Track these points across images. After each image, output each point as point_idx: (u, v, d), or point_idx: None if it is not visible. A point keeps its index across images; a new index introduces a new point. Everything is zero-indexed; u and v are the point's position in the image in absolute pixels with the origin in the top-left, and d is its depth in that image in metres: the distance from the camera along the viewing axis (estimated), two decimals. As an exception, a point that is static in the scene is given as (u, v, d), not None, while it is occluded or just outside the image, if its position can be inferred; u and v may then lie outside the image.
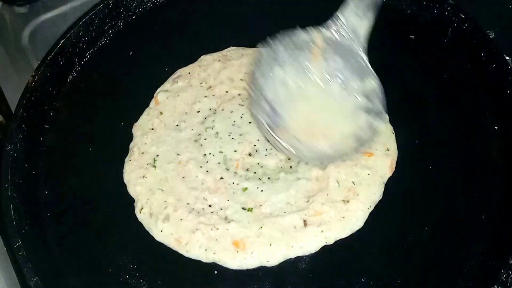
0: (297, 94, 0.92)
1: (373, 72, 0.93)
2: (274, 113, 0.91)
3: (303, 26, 1.17)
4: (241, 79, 1.06)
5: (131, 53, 1.14)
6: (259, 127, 0.94)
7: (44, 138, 1.03)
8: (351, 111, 0.92)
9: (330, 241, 0.88)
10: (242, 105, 1.03)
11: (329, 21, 0.95)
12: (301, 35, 0.94)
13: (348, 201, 0.90)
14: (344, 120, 0.91)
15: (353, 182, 0.92)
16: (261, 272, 0.87)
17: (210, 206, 0.92)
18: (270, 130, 0.90)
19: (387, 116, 0.96)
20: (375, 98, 0.92)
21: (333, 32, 0.93)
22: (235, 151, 0.98)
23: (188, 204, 0.92)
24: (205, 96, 1.05)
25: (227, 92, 1.05)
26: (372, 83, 0.91)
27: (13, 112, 1.02)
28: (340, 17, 0.93)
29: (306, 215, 0.89)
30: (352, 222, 0.89)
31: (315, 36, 0.93)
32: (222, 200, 0.92)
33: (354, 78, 0.93)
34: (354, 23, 0.91)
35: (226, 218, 0.90)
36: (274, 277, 0.86)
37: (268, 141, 0.97)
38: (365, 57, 0.92)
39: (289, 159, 0.94)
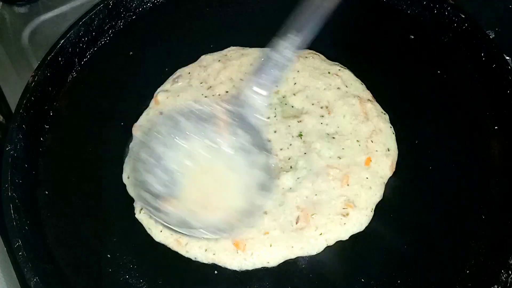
0: (197, 166, 0.90)
1: (268, 146, 0.92)
2: (172, 184, 0.88)
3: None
4: (241, 79, 1.06)
5: (131, 53, 1.14)
6: (143, 205, 0.89)
7: (44, 138, 1.03)
8: (246, 185, 0.89)
9: (331, 242, 0.88)
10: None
11: (231, 96, 0.94)
12: (202, 107, 0.92)
13: (347, 214, 0.90)
14: (239, 194, 0.88)
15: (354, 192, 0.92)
16: (261, 272, 0.87)
17: (210, 206, 0.92)
18: (160, 204, 0.86)
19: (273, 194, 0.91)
20: (268, 172, 0.89)
21: (235, 106, 0.91)
22: (235, 151, 0.97)
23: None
24: (205, 96, 1.05)
25: (227, 92, 1.05)
26: (264, 158, 0.89)
27: (13, 112, 1.02)
28: (240, 92, 0.92)
29: (306, 216, 0.90)
30: (356, 227, 0.89)
31: (216, 109, 0.91)
32: (222, 200, 0.92)
33: (255, 151, 0.90)
34: (250, 100, 0.90)
35: (226, 218, 0.90)
36: (274, 277, 0.86)
37: (268, 140, 0.97)
38: (261, 133, 0.91)
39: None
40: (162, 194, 0.87)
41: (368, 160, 0.95)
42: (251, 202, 0.87)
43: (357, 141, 0.97)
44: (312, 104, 1.02)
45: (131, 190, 0.95)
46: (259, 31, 1.14)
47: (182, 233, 0.86)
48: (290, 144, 0.98)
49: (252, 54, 1.10)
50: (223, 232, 0.86)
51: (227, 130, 0.90)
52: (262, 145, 0.90)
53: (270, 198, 0.89)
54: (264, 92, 0.91)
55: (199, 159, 0.90)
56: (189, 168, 0.89)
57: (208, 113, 0.91)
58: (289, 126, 0.99)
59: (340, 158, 0.95)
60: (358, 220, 0.89)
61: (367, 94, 1.04)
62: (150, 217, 0.88)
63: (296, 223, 0.89)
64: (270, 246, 0.87)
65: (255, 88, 0.91)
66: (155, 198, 0.87)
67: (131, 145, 1.00)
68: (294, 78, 1.05)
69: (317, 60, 1.08)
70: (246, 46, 1.12)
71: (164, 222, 0.85)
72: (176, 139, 0.90)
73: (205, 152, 0.90)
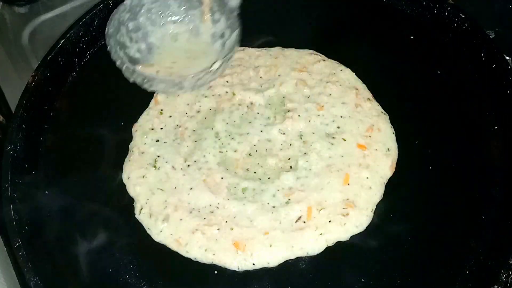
0: (173, 44, 1.05)
1: (237, 25, 1.03)
2: (149, 53, 1.05)
3: (304, 26, 1.17)
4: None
5: (131, 53, 1.14)
6: (120, 64, 1.00)
7: (44, 138, 1.03)
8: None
9: (331, 242, 0.88)
10: (242, 105, 1.03)
11: None
12: None
13: (347, 214, 0.90)
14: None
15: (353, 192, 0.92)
16: (261, 272, 0.87)
17: (210, 206, 0.92)
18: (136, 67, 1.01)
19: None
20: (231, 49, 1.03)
21: None
22: (235, 151, 0.98)
23: (188, 204, 0.92)
24: (205, 96, 1.05)
25: (227, 92, 1.05)
26: (235, 37, 1.02)
27: (13, 112, 1.02)
28: None
29: (306, 216, 0.90)
30: (356, 227, 0.89)
31: None
32: (222, 200, 0.92)
33: (229, 34, 1.03)
34: None
35: (226, 219, 0.90)
36: (274, 277, 0.86)
37: (268, 140, 0.98)
38: (236, 15, 1.02)
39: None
40: (138, 60, 1.03)
41: (363, 147, 0.96)
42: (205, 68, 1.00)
43: (357, 140, 0.97)
44: (312, 104, 1.02)
45: (131, 190, 0.95)
46: (259, 31, 1.14)
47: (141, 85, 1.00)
48: (290, 144, 0.98)
49: (252, 53, 1.10)
50: (173, 85, 1.00)
51: (210, 17, 1.03)
52: (235, 27, 1.02)
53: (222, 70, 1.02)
54: None
55: (179, 40, 1.05)
56: (167, 46, 1.05)
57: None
58: (289, 126, 0.99)
59: (340, 158, 0.95)
60: (358, 220, 0.89)
61: (367, 94, 1.04)
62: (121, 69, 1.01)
63: (296, 223, 0.89)
64: (270, 246, 0.87)
65: None
66: (131, 62, 1.01)
67: (131, 145, 1.00)
68: (294, 78, 1.06)
69: (318, 60, 1.08)
70: (246, 46, 1.12)
71: (130, 77, 0.99)
72: (161, 17, 1.05)
73: (185, 36, 1.05)
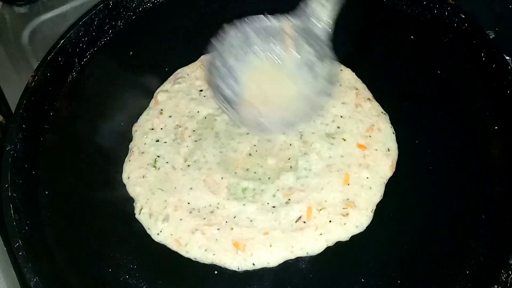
0: (262, 77, 0.99)
1: (332, 54, 0.97)
2: (237, 88, 0.98)
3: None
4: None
5: (131, 53, 1.14)
6: (218, 102, 0.99)
7: (44, 138, 1.03)
8: (307, 91, 0.97)
9: (331, 242, 0.88)
10: (242, 105, 1.03)
11: (296, 11, 0.97)
12: (271, 22, 0.97)
13: (347, 214, 0.90)
14: (300, 97, 0.97)
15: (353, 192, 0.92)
16: (261, 272, 0.87)
17: (210, 206, 0.92)
18: (232, 106, 0.97)
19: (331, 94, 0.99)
20: (329, 80, 0.97)
21: (301, 20, 0.96)
22: (235, 151, 0.98)
23: (188, 204, 0.92)
24: (204, 96, 1.05)
25: (227, 92, 1.05)
26: (328, 67, 0.96)
27: (13, 112, 1.02)
28: (306, 6, 0.96)
29: (306, 216, 0.90)
30: (356, 227, 0.89)
31: (284, 24, 0.96)
32: (222, 200, 0.92)
33: (319, 63, 0.97)
34: (319, 11, 0.95)
35: (226, 219, 0.90)
36: (274, 277, 0.86)
37: (268, 140, 0.98)
38: (326, 42, 0.96)
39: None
40: (232, 98, 0.97)
41: (363, 147, 0.96)
42: (311, 102, 0.96)
43: (357, 140, 0.97)
44: (312, 104, 1.02)
45: (131, 190, 0.95)
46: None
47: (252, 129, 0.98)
48: (290, 144, 0.98)
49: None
50: (285, 126, 0.97)
51: (293, 45, 0.97)
52: (325, 55, 0.96)
53: (328, 100, 0.99)
54: (329, 6, 0.95)
55: (265, 70, 0.98)
56: (254, 79, 0.98)
57: (276, 28, 0.97)
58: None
59: (340, 158, 0.95)
60: (359, 220, 0.89)
61: (367, 94, 1.04)
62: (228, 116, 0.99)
63: (296, 223, 0.89)
64: (270, 246, 0.87)
65: (322, 1, 0.95)
66: (226, 101, 0.97)
67: (131, 145, 1.00)
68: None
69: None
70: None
71: (238, 121, 0.97)
72: (246, 51, 0.99)
73: (271, 66, 0.98)
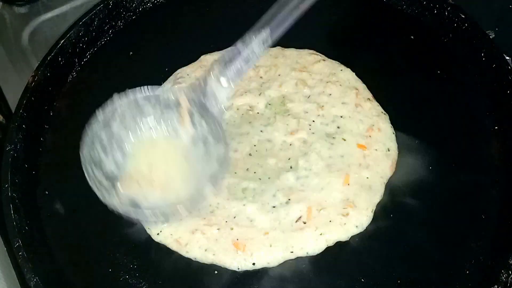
0: (152, 151, 0.94)
1: (225, 139, 0.92)
2: (123, 162, 0.92)
3: (302, 26, 1.17)
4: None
5: (131, 53, 1.14)
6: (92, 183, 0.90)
7: (44, 138, 1.03)
8: (197, 173, 0.91)
9: (331, 242, 0.88)
10: (242, 105, 1.03)
11: (193, 85, 0.94)
12: (166, 94, 0.93)
13: (347, 214, 0.90)
14: (188, 180, 0.91)
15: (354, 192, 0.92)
16: (261, 272, 0.87)
17: (210, 206, 0.92)
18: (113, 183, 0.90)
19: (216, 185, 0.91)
20: (220, 164, 0.91)
21: (199, 95, 0.92)
22: (235, 151, 0.98)
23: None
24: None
25: (227, 92, 1.05)
26: (222, 150, 0.91)
27: (13, 112, 1.02)
28: (203, 82, 0.92)
29: (306, 216, 0.90)
30: (356, 228, 0.89)
31: (181, 97, 0.93)
32: (222, 200, 0.92)
33: (214, 142, 0.92)
34: (215, 91, 0.92)
35: (226, 219, 0.90)
36: (274, 277, 0.86)
37: (268, 140, 0.98)
38: (221, 124, 0.92)
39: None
40: (114, 174, 0.91)
41: (363, 147, 0.96)
42: (197, 190, 0.89)
43: (357, 140, 0.97)
44: (312, 104, 1.02)
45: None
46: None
47: (128, 215, 0.88)
48: (290, 144, 0.98)
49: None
50: (165, 216, 0.88)
51: (189, 119, 0.92)
52: (220, 137, 0.91)
53: (215, 191, 0.90)
54: (229, 85, 0.92)
55: (157, 145, 0.93)
56: (144, 151, 0.93)
57: (173, 101, 0.93)
58: (288, 125, 0.99)
59: (340, 158, 0.95)
60: (358, 220, 0.89)
61: (367, 94, 1.04)
62: (99, 197, 0.88)
63: (296, 223, 0.89)
64: (270, 246, 0.87)
65: (222, 80, 0.92)
66: (106, 178, 0.90)
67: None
68: (294, 78, 1.06)
69: (318, 60, 1.08)
70: (246, 46, 1.12)
71: (112, 204, 0.88)
72: (137, 122, 0.93)
73: (163, 140, 0.93)
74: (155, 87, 0.94)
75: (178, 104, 0.93)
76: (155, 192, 0.90)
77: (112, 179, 0.90)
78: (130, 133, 0.93)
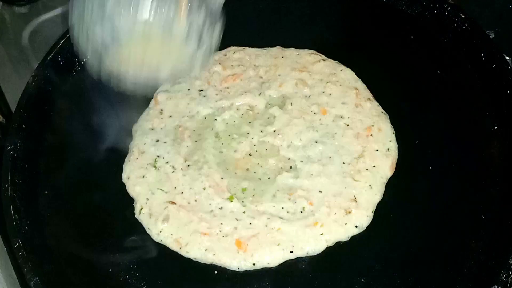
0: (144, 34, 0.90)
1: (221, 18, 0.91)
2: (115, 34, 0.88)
3: (302, 26, 1.17)
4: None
5: (131, 53, 1.14)
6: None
7: (44, 138, 1.03)
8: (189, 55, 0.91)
9: (331, 243, 0.88)
10: (242, 105, 1.03)
11: None
12: None
13: (348, 213, 0.90)
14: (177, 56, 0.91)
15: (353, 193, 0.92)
16: (261, 272, 0.87)
17: (210, 205, 0.92)
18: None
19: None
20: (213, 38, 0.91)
21: None
22: (235, 151, 0.98)
23: (188, 204, 0.92)
24: (204, 96, 1.05)
25: (228, 92, 1.05)
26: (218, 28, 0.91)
27: (13, 112, 1.02)
28: None
29: (306, 216, 0.90)
30: (356, 228, 0.89)
31: None
32: (222, 200, 0.92)
33: (209, 30, 0.90)
34: None
35: (226, 219, 0.90)
36: (274, 277, 0.86)
37: (267, 141, 0.98)
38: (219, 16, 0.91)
39: None
40: (107, 43, 0.87)
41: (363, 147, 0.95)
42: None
43: (357, 140, 0.97)
44: (312, 104, 1.02)
45: (131, 190, 0.95)
46: (259, 31, 1.14)
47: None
48: (290, 144, 0.98)
49: (252, 54, 1.10)
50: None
51: (190, 11, 0.88)
52: (215, 18, 0.90)
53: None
54: None
55: (151, 38, 0.89)
56: (136, 35, 0.89)
57: None
58: (288, 125, 0.99)
59: (340, 157, 0.95)
60: (359, 220, 0.89)
61: (367, 94, 1.04)
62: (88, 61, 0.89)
63: (296, 223, 0.89)
64: (270, 246, 0.87)
65: None
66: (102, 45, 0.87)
67: (131, 145, 1.00)
68: (294, 78, 1.06)
69: (318, 60, 1.08)
70: (246, 46, 1.12)
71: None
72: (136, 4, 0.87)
73: (157, 33, 0.89)
74: None
75: None
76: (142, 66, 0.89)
77: (105, 47, 0.88)
78: (124, 17, 0.87)
